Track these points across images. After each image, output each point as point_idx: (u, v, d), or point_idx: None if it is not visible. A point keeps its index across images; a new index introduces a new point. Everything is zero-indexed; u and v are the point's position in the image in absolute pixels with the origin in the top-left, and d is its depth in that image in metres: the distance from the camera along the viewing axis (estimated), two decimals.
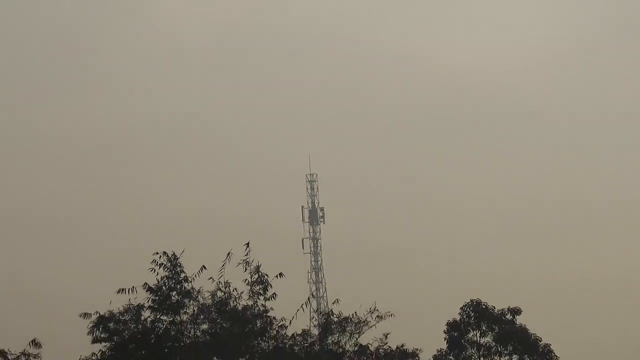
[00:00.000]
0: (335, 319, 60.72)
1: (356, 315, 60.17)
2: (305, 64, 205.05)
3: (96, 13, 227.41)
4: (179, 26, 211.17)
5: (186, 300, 56.98)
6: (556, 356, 71.12)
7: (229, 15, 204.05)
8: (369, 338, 61.85)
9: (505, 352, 70.44)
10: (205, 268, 55.68)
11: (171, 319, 56.88)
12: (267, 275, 57.17)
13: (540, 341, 69.85)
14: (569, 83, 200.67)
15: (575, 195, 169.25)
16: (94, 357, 56.71)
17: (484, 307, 69.89)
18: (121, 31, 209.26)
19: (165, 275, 56.07)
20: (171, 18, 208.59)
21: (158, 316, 56.82)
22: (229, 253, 56.39)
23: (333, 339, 61.23)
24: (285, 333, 60.03)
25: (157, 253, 55.69)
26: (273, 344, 59.78)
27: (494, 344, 68.95)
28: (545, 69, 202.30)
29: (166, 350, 57.60)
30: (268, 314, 58.75)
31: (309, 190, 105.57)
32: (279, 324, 59.20)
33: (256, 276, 57.02)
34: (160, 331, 57.56)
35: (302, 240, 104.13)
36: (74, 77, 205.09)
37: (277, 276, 57.35)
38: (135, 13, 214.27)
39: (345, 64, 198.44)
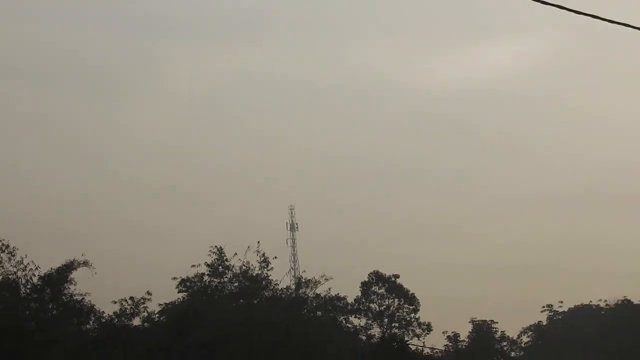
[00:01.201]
0: (303, 281, 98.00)
1: (312, 279, 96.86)
2: None
3: None
4: None
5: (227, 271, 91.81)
6: None
7: None
8: (320, 290, 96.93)
9: None
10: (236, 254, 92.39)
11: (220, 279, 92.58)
12: (268, 257, 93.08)
13: None
14: None
15: None
16: None
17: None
18: None
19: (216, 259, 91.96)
20: None
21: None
22: (248, 247, 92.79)
23: (302, 290, 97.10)
24: (277, 287, 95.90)
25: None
26: (271, 293, 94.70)
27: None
28: None
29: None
30: (269, 278, 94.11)
31: (291, 212, 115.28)
32: (275, 283, 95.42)
33: (262, 258, 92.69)
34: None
35: (286, 239, 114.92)
36: None
37: (274, 258, 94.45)
38: None
39: None
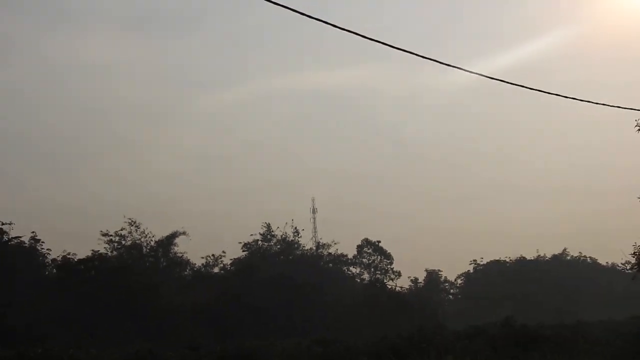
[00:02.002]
0: (320, 245, 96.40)
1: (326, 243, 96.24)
2: None
3: None
4: None
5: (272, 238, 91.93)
6: None
7: None
8: (331, 250, 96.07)
9: None
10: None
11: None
12: (298, 229, 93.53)
13: None
14: None
15: None
16: None
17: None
18: None
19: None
20: None
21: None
22: (286, 223, 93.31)
23: (320, 250, 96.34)
24: (304, 248, 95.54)
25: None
26: (300, 252, 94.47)
27: None
28: None
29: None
30: (299, 242, 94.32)
31: (312, 201, 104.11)
32: (302, 246, 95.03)
33: (294, 230, 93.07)
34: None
35: (309, 218, 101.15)
36: None
37: (302, 230, 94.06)
38: None
39: None
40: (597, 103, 27.00)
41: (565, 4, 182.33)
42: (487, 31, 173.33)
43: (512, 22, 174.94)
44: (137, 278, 64.07)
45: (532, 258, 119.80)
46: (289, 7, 11.17)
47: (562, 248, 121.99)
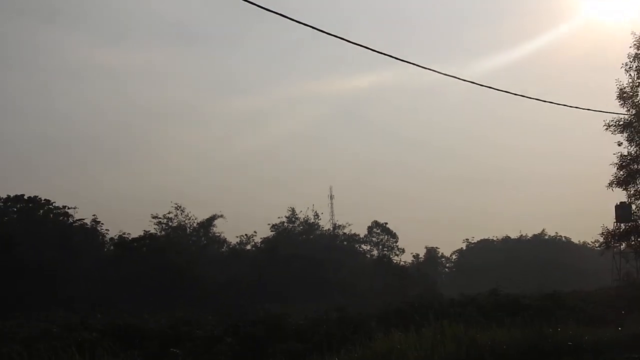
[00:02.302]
0: (337, 226, 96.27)
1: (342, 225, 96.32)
2: None
3: None
4: None
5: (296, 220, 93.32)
6: None
7: None
8: (346, 230, 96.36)
9: None
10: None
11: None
12: (318, 213, 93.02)
13: None
14: None
15: None
16: None
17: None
18: None
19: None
20: None
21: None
22: (307, 207, 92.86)
23: (336, 231, 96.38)
24: (323, 229, 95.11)
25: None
26: (319, 232, 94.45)
27: None
28: None
29: None
30: (319, 224, 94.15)
31: (330, 188, 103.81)
32: (322, 227, 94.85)
33: (315, 213, 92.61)
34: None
35: (328, 204, 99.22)
36: None
37: (321, 213, 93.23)
38: None
39: None
40: (571, 106, 26.81)
41: (547, 15, 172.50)
42: (480, 38, 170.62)
43: (498, 32, 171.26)
44: (181, 254, 64.37)
45: (516, 237, 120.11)
46: (313, 25, 11.19)
47: (542, 229, 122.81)
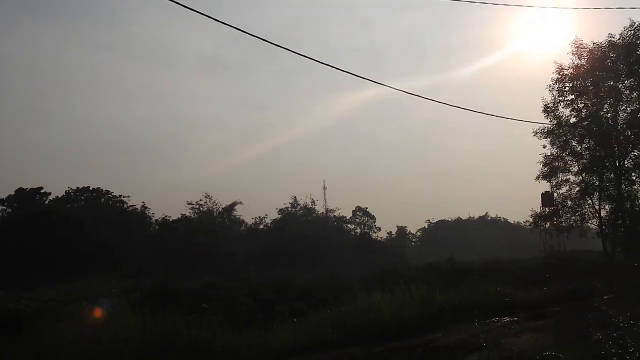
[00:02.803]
0: (329, 210, 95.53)
1: (332, 209, 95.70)
2: None
3: None
4: None
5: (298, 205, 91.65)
6: None
7: None
8: (336, 214, 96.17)
9: None
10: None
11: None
12: (314, 200, 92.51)
13: None
14: None
15: None
16: None
17: None
18: None
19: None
20: None
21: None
22: (306, 196, 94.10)
23: (328, 214, 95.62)
24: (318, 212, 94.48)
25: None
26: (315, 215, 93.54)
27: None
28: None
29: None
30: (315, 208, 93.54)
31: (323, 181, 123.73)
32: (317, 211, 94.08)
33: (312, 200, 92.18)
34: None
35: (322, 193, 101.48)
36: None
37: (317, 200, 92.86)
38: None
39: None
40: (509, 118, 26.64)
41: (490, 44, 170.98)
42: (436, 63, 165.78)
43: (451, 58, 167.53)
44: (209, 233, 63.73)
45: (466, 218, 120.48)
46: (312, 57, 11.13)
47: (485, 212, 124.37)
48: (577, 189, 25.67)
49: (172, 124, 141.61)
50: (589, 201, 25.52)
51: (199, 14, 10.98)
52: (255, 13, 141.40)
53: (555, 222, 25.82)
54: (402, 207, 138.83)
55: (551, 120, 25.97)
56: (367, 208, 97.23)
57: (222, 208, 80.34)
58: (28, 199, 59.02)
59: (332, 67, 13.24)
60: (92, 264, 40.73)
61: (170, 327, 12.94)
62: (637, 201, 25.08)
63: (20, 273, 36.44)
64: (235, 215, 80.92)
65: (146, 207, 69.32)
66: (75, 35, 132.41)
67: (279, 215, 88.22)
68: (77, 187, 65.57)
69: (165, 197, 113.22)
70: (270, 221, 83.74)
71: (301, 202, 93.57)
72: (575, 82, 25.79)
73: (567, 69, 25.82)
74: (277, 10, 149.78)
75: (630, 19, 25.84)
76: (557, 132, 25.83)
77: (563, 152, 25.92)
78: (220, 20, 11.18)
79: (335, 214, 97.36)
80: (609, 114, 25.73)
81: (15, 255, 43.61)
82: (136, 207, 67.97)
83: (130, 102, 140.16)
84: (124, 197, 66.87)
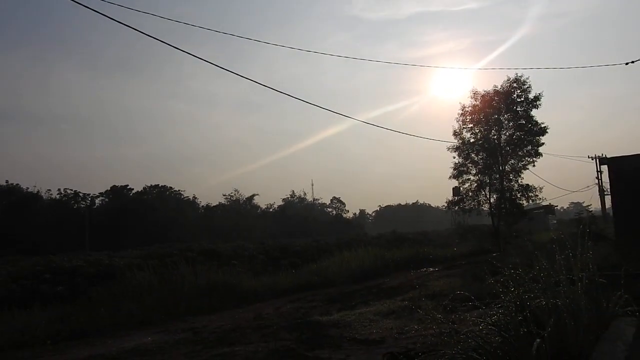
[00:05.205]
0: (315, 199, 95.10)
1: (318, 199, 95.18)
2: None
3: None
4: None
5: (295, 195, 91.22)
6: None
7: None
8: (321, 202, 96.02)
9: None
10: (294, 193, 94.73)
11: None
12: (306, 193, 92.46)
13: None
14: None
15: None
16: None
17: None
18: None
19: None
20: None
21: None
22: (301, 190, 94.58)
23: (315, 202, 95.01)
24: (309, 201, 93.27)
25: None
26: (307, 202, 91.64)
27: None
28: None
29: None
30: (306, 198, 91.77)
31: (312, 181, 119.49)
32: (309, 200, 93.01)
33: (304, 193, 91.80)
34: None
35: (311, 188, 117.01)
36: None
37: (306, 193, 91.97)
38: None
39: None
40: (432, 139, 26.60)
41: (413, 91, 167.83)
42: (381, 102, 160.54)
43: (392, 100, 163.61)
44: (237, 215, 63.35)
45: (404, 204, 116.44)
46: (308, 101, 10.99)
47: (416, 199, 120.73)
48: (475, 184, 25.84)
49: (215, 143, 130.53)
50: (483, 192, 25.67)
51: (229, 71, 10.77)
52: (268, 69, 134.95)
53: (461, 206, 25.95)
54: (363, 196, 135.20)
55: (458, 140, 26.13)
56: (340, 197, 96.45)
57: (246, 198, 78.75)
58: (119, 193, 58.53)
59: (318, 106, 13.15)
60: (160, 236, 40.63)
61: (211, 276, 12.85)
62: (513, 192, 25.31)
63: (114, 242, 36.63)
64: (254, 203, 79.31)
65: (196, 197, 68.70)
66: (155, 88, 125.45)
67: (283, 203, 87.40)
68: (151, 185, 64.43)
69: (209, 190, 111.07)
70: (277, 207, 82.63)
71: (297, 194, 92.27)
72: (473, 116, 26.00)
73: (468, 108, 26.01)
74: (285, 68, 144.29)
75: (507, 76, 26.83)
76: (462, 148, 26.00)
77: (466, 161, 26.06)
78: (247, 77, 10.99)
79: (319, 202, 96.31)
80: (495, 136, 26.00)
81: (111, 231, 43.97)
82: (189, 197, 67.38)
83: (191, 129, 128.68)
84: (181, 190, 66.25)
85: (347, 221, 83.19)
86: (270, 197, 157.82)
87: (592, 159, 40.44)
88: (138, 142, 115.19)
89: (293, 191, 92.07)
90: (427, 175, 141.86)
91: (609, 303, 3.80)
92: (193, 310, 10.28)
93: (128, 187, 60.11)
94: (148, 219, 48.44)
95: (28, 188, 51.59)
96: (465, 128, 25.93)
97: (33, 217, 43.80)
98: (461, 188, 26.09)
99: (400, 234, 31.60)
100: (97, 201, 56.33)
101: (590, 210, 30.61)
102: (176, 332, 8.26)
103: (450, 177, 26.71)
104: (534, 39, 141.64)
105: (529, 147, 25.02)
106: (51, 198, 53.36)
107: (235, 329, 8.02)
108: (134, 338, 7.97)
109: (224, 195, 76.78)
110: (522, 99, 25.06)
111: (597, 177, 39.54)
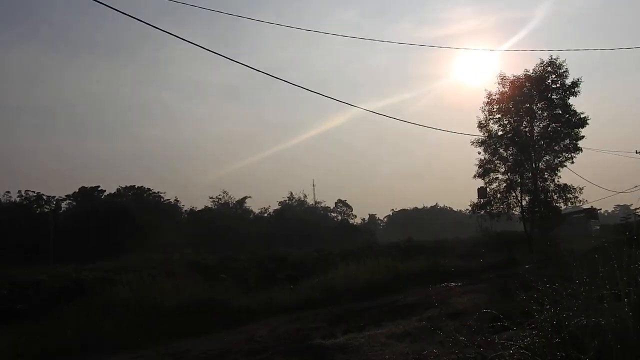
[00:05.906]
0: (317, 202, 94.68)
1: (320, 201, 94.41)
2: None
3: None
4: None
5: (294, 197, 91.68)
6: None
7: None
8: (323, 204, 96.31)
9: None
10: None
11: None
12: (306, 195, 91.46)
13: None
14: None
15: None
16: None
17: None
18: None
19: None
20: None
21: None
22: (300, 191, 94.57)
23: (317, 205, 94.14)
24: (310, 204, 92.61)
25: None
26: (307, 206, 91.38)
27: None
28: None
29: None
30: (307, 201, 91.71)
31: (313, 181, 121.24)
32: (309, 203, 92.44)
33: (304, 195, 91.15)
34: None
35: (312, 189, 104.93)
36: None
37: (307, 195, 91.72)
38: None
39: None
40: (453, 132, 26.71)
41: (434, 76, 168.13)
42: (394, 90, 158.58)
43: (410, 85, 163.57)
44: (226, 219, 63.60)
45: (421, 207, 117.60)
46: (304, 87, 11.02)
47: (436, 202, 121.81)
48: (504, 184, 25.81)
49: (199, 138, 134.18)
50: (513, 194, 25.63)
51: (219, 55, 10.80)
52: (262, 53, 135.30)
53: (488, 210, 25.90)
54: (372, 199, 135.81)
55: (483, 134, 26.13)
56: (346, 200, 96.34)
57: (236, 201, 79.07)
58: (88, 195, 58.67)
59: (319, 93, 13.18)
60: (136, 245, 40.73)
61: (196, 291, 12.91)
62: (548, 193, 25.22)
63: (82, 251, 36.48)
64: (245, 206, 79.46)
65: (178, 200, 69.25)
66: (128, 73, 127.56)
67: (279, 206, 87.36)
68: (127, 185, 65.05)
69: (193, 192, 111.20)
70: (272, 211, 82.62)
71: (296, 196, 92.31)
72: (500, 105, 25.97)
73: (495, 95, 26.00)
74: (278, 50, 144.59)
75: (540, 59, 26.38)
76: (488, 142, 25.97)
77: (493, 157, 26.04)
78: (236, 60, 11.00)
79: (321, 205, 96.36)
80: (527, 128, 25.94)
81: (79, 239, 44.04)
82: (170, 200, 68.07)
83: (170, 122, 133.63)
84: (161, 192, 66.87)
85: (354, 227, 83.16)
86: (264, 199, 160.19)
87: None
88: (109, 136, 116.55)
89: (291, 193, 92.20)
90: (447, 175, 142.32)
91: None
92: (175, 332, 10.30)
93: (99, 189, 60.73)
94: (122, 225, 48.43)
95: None
96: (492, 119, 25.73)
97: None
98: (488, 189, 25.98)
99: (416, 242, 31.39)
100: (64, 205, 57.32)
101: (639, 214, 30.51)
102: (154, 358, 8.29)
103: (474, 176, 26.60)
104: (572, 15, 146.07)
105: (567, 141, 24.90)
106: (10, 201, 53.93)
107: (223, 354, 8.03)
108: None
109: (210, 198, 77.04)
110: (557, 85, 24.86)
111: None
